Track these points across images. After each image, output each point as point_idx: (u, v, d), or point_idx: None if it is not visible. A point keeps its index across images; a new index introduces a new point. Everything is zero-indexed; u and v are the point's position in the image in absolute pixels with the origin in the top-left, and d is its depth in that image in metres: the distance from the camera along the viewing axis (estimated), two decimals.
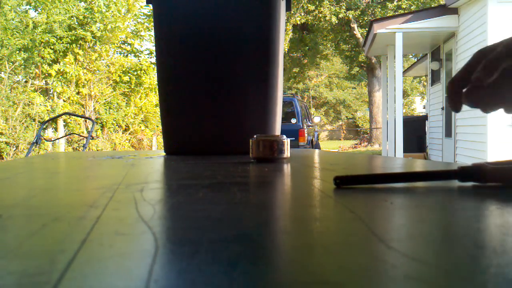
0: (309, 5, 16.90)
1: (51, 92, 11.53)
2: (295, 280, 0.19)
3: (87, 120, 10.28)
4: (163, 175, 0.66)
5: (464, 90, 0.59)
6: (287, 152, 0.85)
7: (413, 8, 15.22)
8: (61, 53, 11.46)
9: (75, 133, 8.67)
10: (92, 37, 11.84)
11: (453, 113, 7.72)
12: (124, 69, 12.52)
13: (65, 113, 7.15)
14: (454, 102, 0.60)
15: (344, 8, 16.95)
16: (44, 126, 8.06)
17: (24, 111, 10.19)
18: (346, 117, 27.19)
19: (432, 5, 13.31)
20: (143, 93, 12.57)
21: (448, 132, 8.23)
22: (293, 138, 8.53)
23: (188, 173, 0.64)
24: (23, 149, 9.47)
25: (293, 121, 8.75)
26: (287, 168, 0.73)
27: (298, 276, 0.19)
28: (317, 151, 1.33)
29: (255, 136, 0.85)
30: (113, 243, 0.25)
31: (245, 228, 0.29)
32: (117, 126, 12.16)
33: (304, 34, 19.76)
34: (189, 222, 0.31)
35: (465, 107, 0.62)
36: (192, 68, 1.11)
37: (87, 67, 11.81)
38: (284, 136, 0.86)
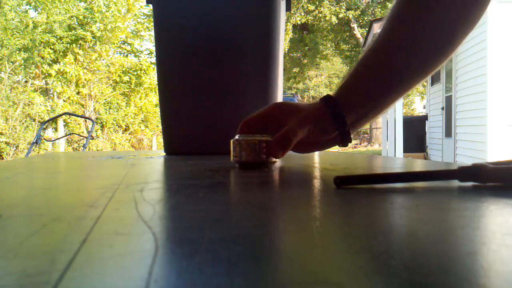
0: (309, 5, 16.89)
1: (51, 92, 11.54)
2: (295, 280, 0.19)
3: (87, 120, 10.28)
4: (163, 175, 0.66)
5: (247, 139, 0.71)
6: None
7: None
8: (61, 53, 11.47)
9: (75, 133, 8.68)
10: (92, 37, 11.85)
11: (453, 113, 7.72)
12: (124, 69, 12.53)
13: (65, 113, 7.16)
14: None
15: (344, 8, 16.95)
16: (44, 126, 8.06)
17: (24, 111, 10.20)
18: None
19: None
20: (143, 93, 12.59)
21: (448, 132, 8.23)
22: None
23: (188, 173, 0.64)
24: (23, 149, 9.47)
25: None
26: (287, 168, 0.73)
27: (298, 276, 0.19)
28: None
29: (237, 137, 0.72)
30: (113, 243, 0.25)
31: (245, 228, 0.29)
32: (117, 126, 12.17)
33: (304, 34, 19.75)
34: (189, 222, 0.31)
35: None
36: (192, 68, 1.11)
37: (87, 67, 11.82)
38: (272, 136, 0.71)
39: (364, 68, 0.73)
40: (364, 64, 0.74)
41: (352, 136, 0.73)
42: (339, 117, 0.70)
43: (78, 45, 11.76)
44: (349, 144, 0.77)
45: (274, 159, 0.72)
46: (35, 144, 4.38)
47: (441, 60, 0.74)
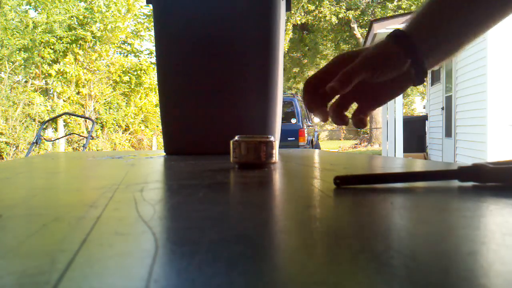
0: (309, 5, 16.90)
1: (51, 92, 11.54)
2: (295, 280, 0.19)
3: (87, 120, 10.29)
4: (163, 175, 0.66)
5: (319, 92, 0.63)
6: (275, 156, 0.72)
7: (413, 8, 15.24)
8: (61, 53, 11.47)
9: (75, 133, 8.67)
10: (92, 37, 11.85)
11: (453, 113, 7.72)
12: (124, 69, 12.53)
13: (65, 113, 7.16)
14: (308, 103, 0.64)
15: (344, 8, 16.96)
16: (44, 126, 8.06)
17: (24, 111, 10.19)
18: None
19: None
20: (143, 93, 12.59)
21: (448, 132, 8.23)
22: (293, 138, 8.55)
23: (188, 173, 0.64)
24: (23, 149, 9.47)
25: (293, 121, 8.75)
26: (287, 168, 0.73)
27: (298, 276, 0.19)
28: (317, 151, 1.33)
29: (236, 137, 0.72)
30: (113, 243, 0.25)
31: (245, 228, 0.29)
32: (117, 126, 12.17)
33: (304, 34, 19.76)
34: (189, 222, 0.31)
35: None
36: (192, 68, 1.11)
37: (87, 67, 11.82)
38: (272, 137, 0.73)
39: None
40: None
41: (426, 73, 0.63)
42: (410, 46, 0.60)
43: (78, 45, 11.76)
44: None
45: (273, 160, 0.71)
46: (35, 144, 4.38)
47: None
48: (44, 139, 6.45)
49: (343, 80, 0.59)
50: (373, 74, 0.61)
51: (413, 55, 0.60)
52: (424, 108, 15.81)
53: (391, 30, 0.66)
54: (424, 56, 0.61)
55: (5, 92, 9.84)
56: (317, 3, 16.89)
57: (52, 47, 11.28)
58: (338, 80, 0.60)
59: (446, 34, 0.63)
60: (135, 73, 12.55)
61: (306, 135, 8.82)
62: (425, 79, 0.63)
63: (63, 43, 11.42)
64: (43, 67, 11.20)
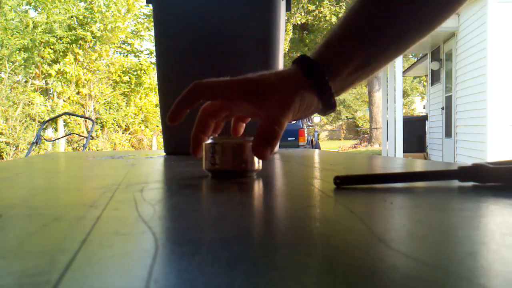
0: (309, 5, 16.90)
1: (51, 92, 11.54)
2: (295, 280, 0.19)
3: (87, 120, 10.29)
4: (163, 175, 0.66)
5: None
6: (258, 163, 0.57)
7: None
8: (61, 53, 11.48)
9: (75, 133, 8.68)
10: (92, 37, 11.86)
11: (453, 113, 7.72)
12: (124, 69, 12.54)
13: (65, 113, 7.16)
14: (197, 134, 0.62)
15: (344, 8, 16.95)
16: (44, 126, 8.06)
17: (24, 111, 10.20)
18: (346, 117, 27.19)
19: None
20: (143, 93, 12.60)
21: (448, 132, 8.23)
22: (293, 138, 8.55)
23: (188, 173, 0.64)
24: (23, 149, 9.47)
25: (293, 121, 8.75)
26: (286, 168, 0.73)
27: (298, 276, 0.19)
28: (317, 151, 1.33)
29: (211, 139, 0.58)
30: (113, 243, 0.25)
31: (245, 228, 0.29)
32: (117, 126, 12.18)
33: (304, 34, 19.76)
34: (189, 222, 0.31)
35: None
36: (191, 68, 1.11)
37: (87, 67, 11.82)
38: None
39: (351, 21, 0.58)
40: (350, 16, 0.58)
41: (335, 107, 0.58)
42: (324, 88, 0.55)
43: (78, 45, 11.77)
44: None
45: (257, 167, 0.57)
46: (35, 144, 4.38)
47: (444, 14, 0.58)
48: (44, 139, 6.45)
49: (270, 141, 0.52)
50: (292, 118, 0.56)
51: (326, 98, 0.55)
52: (424, 108, 15.80)
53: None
54: (335, 92, 0.56)
55: (5, 92, 9.84)
56: (317, 3, 16.89)
57: (52, 47, 11.29)
58: (265, 143, 0.52)
59: (360, 63, 0.57)
60: (135, 73, 12.56)
61: (306, 135, 8.82)
62: (334, 110, 0.58)
63: (63, 43, 11.43)
64: (43, 67, 11.20)
